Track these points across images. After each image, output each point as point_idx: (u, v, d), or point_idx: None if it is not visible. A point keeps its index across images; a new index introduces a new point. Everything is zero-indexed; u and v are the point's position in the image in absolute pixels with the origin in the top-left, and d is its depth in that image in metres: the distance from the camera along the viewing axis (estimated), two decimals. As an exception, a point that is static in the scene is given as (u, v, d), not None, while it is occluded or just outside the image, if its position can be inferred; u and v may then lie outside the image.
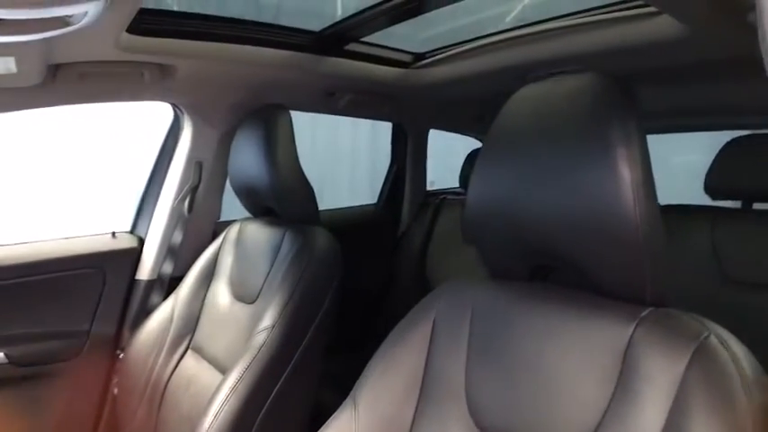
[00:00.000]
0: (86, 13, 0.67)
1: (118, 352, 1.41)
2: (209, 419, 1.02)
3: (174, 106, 1.46)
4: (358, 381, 0.82)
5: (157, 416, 1.27)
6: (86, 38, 0.91)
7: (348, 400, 0.80)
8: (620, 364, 0.60)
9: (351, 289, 1.97)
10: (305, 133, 3.42)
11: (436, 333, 0.78)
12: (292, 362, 1.10)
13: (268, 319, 1.11)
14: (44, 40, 0.82)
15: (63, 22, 0.69)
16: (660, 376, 0.56)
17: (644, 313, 0.61)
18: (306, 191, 1.28)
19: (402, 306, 0.87)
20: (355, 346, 1.59)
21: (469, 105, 1.99)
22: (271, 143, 1.23)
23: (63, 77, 1.11)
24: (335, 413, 0.81)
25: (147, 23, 1.08)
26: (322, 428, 0.80)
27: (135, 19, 0.92)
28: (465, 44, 1.48)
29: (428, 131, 2.11)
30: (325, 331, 1.16)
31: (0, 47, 0.79)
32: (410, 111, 1.92)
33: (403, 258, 2.08)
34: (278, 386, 1.08)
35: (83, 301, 1.40)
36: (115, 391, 1.38)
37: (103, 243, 1.46)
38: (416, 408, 0.77)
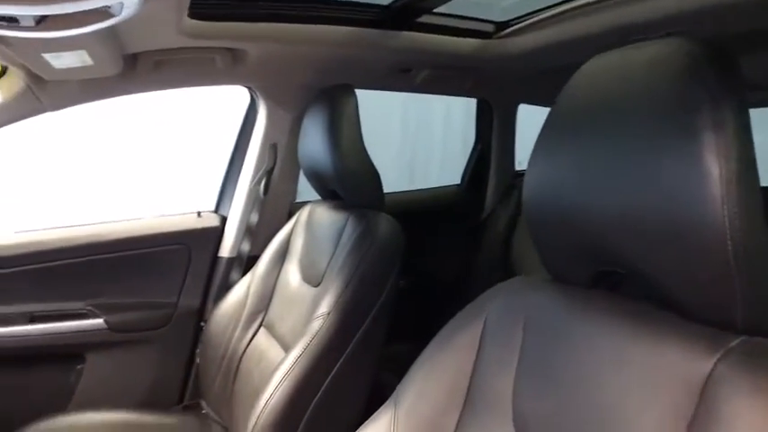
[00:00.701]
0: (122, 4, 0.68)
1: (201, 324, 1.51)
2: (264, 399, 1.04)
3: (250, 89, 1.49)
4: (402, 381, 0.78)
5: (233, 386, 1.34)
6: (148, 26, 0.94)
7: (390, 401, 0.77)
8: (695, 404, 0.48)
9: (427, 273, 1.94)
10: (395, 111, 3.39)
11: (486, 338, 0.71)
12: (347, 350, 1.08)
13: (325, 306, 1.11)
14: (111, 31, 0.86)
15: (105, 14, 0.70)
16: (745, 427, 0.44)
17: (732, 343, 0.49)
18: (370, 174, 1.25)
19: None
20: (429, 334, 1.55)
21: (564, 76, 1.80)
22: (334, 125, 1.21)
23: (141, 66, 1.17)
24: (377, 412, 0.77)
25: (212, 8, 1.09)
26: (361, 427, 0.77)
27: (198, 4, 0.93)
28: (554, 8, 1.33)
29: (517, 106, 1.96)
30: (383, 321, 1.13)
31: (68, 41, 0.84)
32: (495, 84, 1.79)
33: (485, 243, 1.98)
34: (332, 373, 1.07)
35: (171, 275, 1.50)
36: (198, 359, 1.48)
37: (190, 222, 1.55)
38: (459, 417, 0.71)
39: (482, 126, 2.00)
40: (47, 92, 1.15)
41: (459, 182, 2.09)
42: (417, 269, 1.71)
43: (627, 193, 0.52)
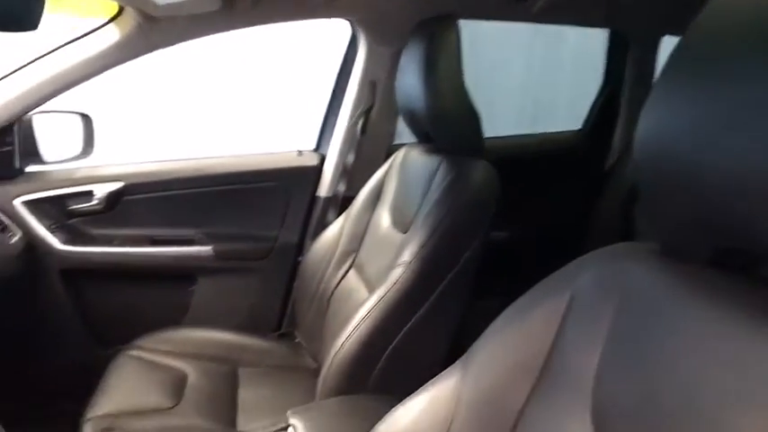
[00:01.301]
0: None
1: (299, 259, 1.56)
2: (342, 339, 1.05)
3: (350, 23, 1.43)
4: (475, 344, 0.72)
5: (323, 321, 1.39)
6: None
7: (460, 362, 0.72)
8: None
9: (535, 226, 1.80)
10: (519, 47, 3.09)
11: (572, 312, 0.62)
12: (426, 302, 1.05)
13: (407, 254, 1.07)
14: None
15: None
16: None
17: None
18: (467, 117, 1.14)
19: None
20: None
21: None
22: (431, 60, 1.11)
23: (240, 1, 1.16)
24: (446, 371, 0.73)
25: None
26: (427, 384, 0.74)
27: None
28: None
29: (659, 39, 1.66)
30: (469, 275, 1.07)
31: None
32: (633, 13, 1.53)
33: (608, 197, 1.77)
34: (409, 323, 1.05)
35: (272, 211, 1.56)
36: (294, 292, 1.54)
37: (290, 160, 1.58)
38: (530, 393, 0.64)
39: (614, 63, 1.74)
40: (156, 29, 1.19)
41: (580, 126, 1.87)
42: (524, 220, 1.59)
43: (760, 152, 0.39)
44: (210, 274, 1.54)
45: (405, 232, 1.19)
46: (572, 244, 1.76)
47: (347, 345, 1.04)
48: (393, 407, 0.76)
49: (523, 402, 0.64)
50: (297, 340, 1.49)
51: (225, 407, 1.18)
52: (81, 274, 1.46)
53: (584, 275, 0.62)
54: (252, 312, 1.57)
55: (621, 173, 1.74)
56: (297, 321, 1.51)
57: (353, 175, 1.53)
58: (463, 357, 0.71)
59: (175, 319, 1.51)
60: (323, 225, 1.54)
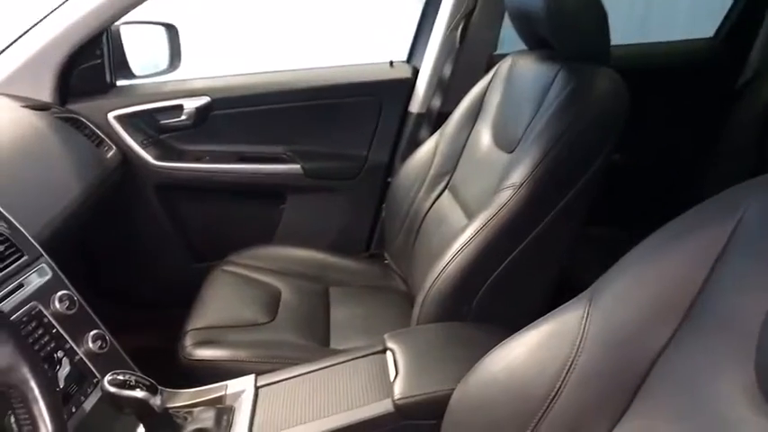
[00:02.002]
0: None
1: (388, 180, 1.49)
2: (441, 265, 0.99)
3: None
4: (602, 277, 0.63)
5: (413, 243, 1.33)
6: None
7: (584, 296, 0.64)
8: None
9: (653, 148, 1.60)
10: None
11: (734, 244, 0.52)
12: (536, 228, 0.94)
13: (517, 176, 0.96)
14: None
15: None
16: None
17: None
18: (593, 16, 0.98)
19: (722, 185, 0.60)
20: (641, 222, 1.31)
21: None
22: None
23: None
24: (566, 304, 0.65)
25: None
26: (546, 317, 0.66)
27: None
28: None
29: None
30: (586, 200, 0.95)
31: None
32: None
33: (741, 117, 1.53)
34: (516, 250, 0.96)
35: (361, 128, 1.49)
36: (383, 213, 1.49)
37: (382, 72, 1.47)
38: (672, 335, 0.55)
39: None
40: None
41: (712, 35, 1.60)
42: (642, 142, 1.41)
43: None
44: (299, 192, 1.51)
45: (510, 151, 1.07)
46: (695, 171, 1.57)
47: (447, 271, 0.98)
48: (496, 336, 0.70)
49: (662, 345, 0.55)
50: (386, 261, 1.45)
51: (318, 325, 1.17)
52: (174, 189, 1.47)
53: (754, 200, 0.50)
54: (341, 232, 1.54)
55: (758, 92, 1.49)
56: (386, 243, 1.46)
57: (449, 88, 1.41)
58: (589, 291, 0.63)
59: (266, 237, 1.51)
60: (415, 143, 1.45)
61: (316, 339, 1.12)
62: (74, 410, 0.75)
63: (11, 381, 0.50)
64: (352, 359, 0.88)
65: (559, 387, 0.58)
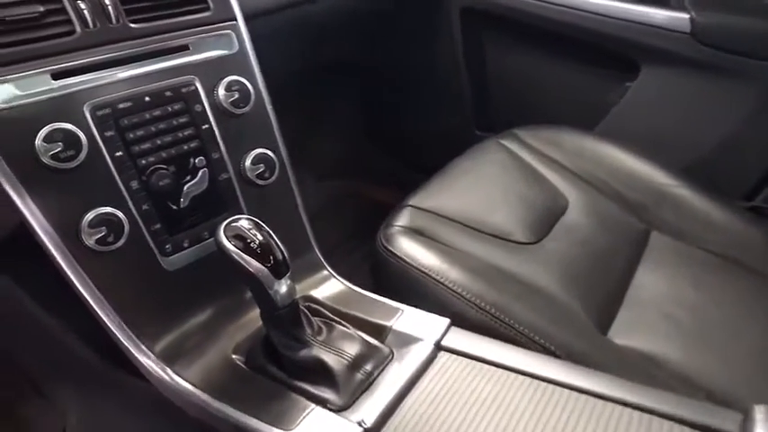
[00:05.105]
0: None
1: None
2: None
3: None
4: None
5: None
6: None
7: None
8: None
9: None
10: None
11: None
12: None
13: None
14: None
15: None
16: None
17: None
18: None
19: None
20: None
21: None
22: None
23: None
24: None
25: None
26: None
27: None
28: None
29: None
30: None
31: None
32: None
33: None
34: None
35: None
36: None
37: None
38: None
39: None
40: None
41: None
42: None
43: None
44: (666, 65, 0.88)
45: None
46: None
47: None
48: None
49: None
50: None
51: (609, 286, 0.65)
52: (483, 22, 1.04)
53: None
54: (707, 153, 0.89)
55: None
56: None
57: None
58: None
59: (588, 120, 0.98)
60: None
61: (592, 312, 0.61)
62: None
63: None
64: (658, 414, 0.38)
65: None
